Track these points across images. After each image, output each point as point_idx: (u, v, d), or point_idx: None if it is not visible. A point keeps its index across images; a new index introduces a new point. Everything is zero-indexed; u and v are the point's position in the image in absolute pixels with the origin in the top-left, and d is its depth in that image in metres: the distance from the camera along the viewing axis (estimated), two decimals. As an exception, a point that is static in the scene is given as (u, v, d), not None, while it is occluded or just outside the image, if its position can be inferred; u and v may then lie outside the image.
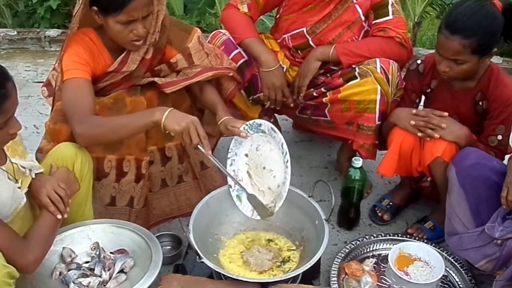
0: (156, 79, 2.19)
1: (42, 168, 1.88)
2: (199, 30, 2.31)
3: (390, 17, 2.41)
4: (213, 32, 2.59)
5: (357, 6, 2.42)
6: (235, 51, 2.50)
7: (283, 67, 2.52)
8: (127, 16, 1.95)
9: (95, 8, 1.98)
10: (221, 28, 2.67)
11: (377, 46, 2.40)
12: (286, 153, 2.11)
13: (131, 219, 2.23)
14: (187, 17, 5.22)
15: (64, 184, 1.86)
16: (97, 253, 1.97)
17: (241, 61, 2.49)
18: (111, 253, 1.98)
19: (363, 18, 2.44)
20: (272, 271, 2.07)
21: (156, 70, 2.23)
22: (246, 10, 2.50)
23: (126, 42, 2.04)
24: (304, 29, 2.47)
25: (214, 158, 2.03)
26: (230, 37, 2.52)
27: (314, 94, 2.49)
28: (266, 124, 2.15)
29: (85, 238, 2.02)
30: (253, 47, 2.46)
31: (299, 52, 2.54)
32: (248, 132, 2.16)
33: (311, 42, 2.48)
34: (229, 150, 2.23)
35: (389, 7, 2.41)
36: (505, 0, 2.15)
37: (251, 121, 2.17)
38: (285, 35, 2.54)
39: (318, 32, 2.46)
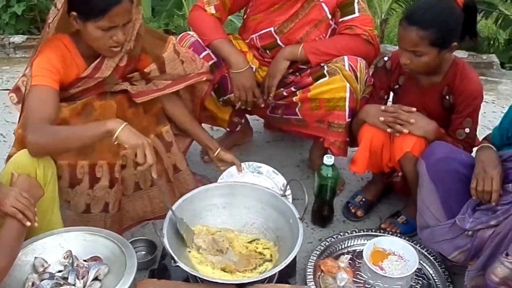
0: (128, 87, 2.18)
1: None
2: (174, 39, 2.32)
3: (357, 14, 2.43)
4: (180, 35, 2.57)
5: (323, 4, 2.44)
6: (204, 53, 2.49)
7: (252, 68, 2.52)
8: (109, 22, 1.94)
9: (74, 13, 1.96)
10: (189, 30, 2.65)
11: (345, 44, 2.42)
12: (287, 191, 2.26)
13: (106, 224, 2.22)
14: (155, 20, 5.19)
15: (26, 193, 1.83)
16: (70, 261, 1.95)
17: (210, 62, 2.48)
18: (84, 260, 1.96)
19: (329, 16, 2.46)
20: (250, 272, 2.06)
21: (128, 77, 2.22)
22: (213, 11, 2.49)
23: (104, 48, 2.02)
24: (272, 28, 2.48)
25: (160, 184, 2.07)
26: (198, 39, 2.50)
27: (284, 93, 2.50)
28: (265, 167, 2.46)
29: (57, 247, 1.99)
30: (222, 49, 2.45)
31: (268, 52, 2.54)
32: (244, 168, 2.45)
33: (279, 42, 2.49)
34: (221, 177, 2.43)
35: (355, 5, 2.43)
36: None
37: (250, 162, 2.47)
38: (253, 35, 2.54)
39: (286, 31, 2.47)
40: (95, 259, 1.97)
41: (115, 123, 1.90)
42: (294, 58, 2.45)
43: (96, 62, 2.08)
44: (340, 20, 2.45)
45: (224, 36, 2.49)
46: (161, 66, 2.25)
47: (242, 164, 2.48)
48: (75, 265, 1.93)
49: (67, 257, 1.96)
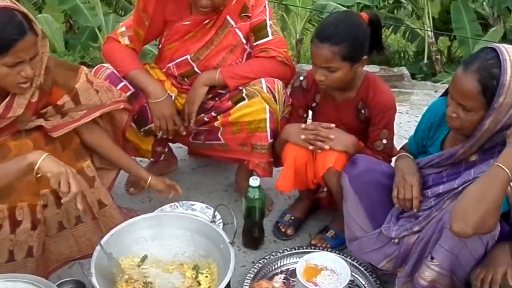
0: (43, 123, 2.11)
1: None
2: (86, 68, 2.26)
3: (270, 37, 2.48)
4: (95, 67, 2.53)
5: (237, 30, 2.48)
6: (121, 84, 2.45)
7: (171, 96, 2.51)
8: (14, 58, 1.87)
9: None
10: (105, 62, 2.62)
11: (261, 67, 2.46)
12: (216, 216, 2.29)
13: (32, 270, 2.11)
14: (69, 53, 5.10)
15: None
16: (-8, 312, 1.85)
17: (128, 93, 2.44)
18: (8, 310, 1.86)
19: (244, 41, 2.50)
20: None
21: (42, 112, 2.15)
22: (127, 42, 2.48)
23: (13, 85, 1.95)
24: (188, 56, 2.49)
25: (84, 213, 2.03)
26: (114, 71, 2.47)
27: (205, 119, 2.50)
28: (198, 204, 2.62)
29: (-24, 301, 1.88)
30: (139, 79, 2.44)
31: (186, 79, 2.54)
32: (177, 207, 2.57)
33: (196, 69, 2.50)
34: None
35: (268, 28, 2.48)
36: (372, 12, 2.30)
37: (183, 201, 2.62)
38: (170, 64, 2.54)
39: (202, 58, 2.48)
40: (20, 307, 1.88)
41: (35, 155, 1.86)
42: (212, 83, 2.46)
43: (6, 100, 2.00)
44: (255, 44, 2.50)
45: (140, 67, 2.48)
46: (75, 97, 2.19)
47: (176, 203, 2.56)
48: (-2, 316, 1.84)
49: (-11, 308, 1.86)
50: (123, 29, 2.51)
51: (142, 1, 2.45)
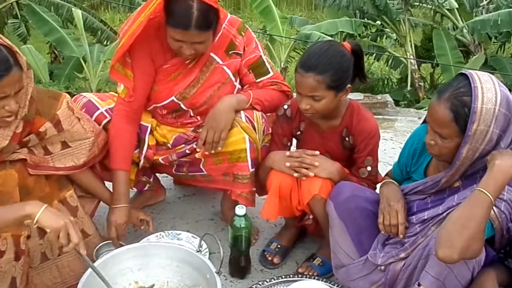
0: (27, 156, 2.10)
1: None
2: (67, 95, 2.25)
3: (272, 73, 2.51)
4: (75, 96, 2.52)
5: (225, 67, 2.45)
6: (97, 112, 2.44)
7: (147, 126, 2.51)
8: None
9: None
10: (91, 91, 2.60)
11: (277, 98, 2.50)
12: (202, 246, 2.31)
13: (14, 302, 2.08)
14: (54, 83, 5.10)
15: None
16: None
17: (105, 121, 2.44)
18: None
19: (233, 78, 2.47)
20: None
21: (25, 140, 2.14)
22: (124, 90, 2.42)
23: None
24: (173, 97, 2.45)
25: (88, 260, 2.00)
26: (91, 99, 2.47)
27: (187, 151, 2.49)
28: (184, 233, 2.62)
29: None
30: (115, 182, 2.41)
31: (173, 114, 2.53)
32: (163, 237, 2.58)
33: (182, 106, 2.48)
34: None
35: (267, 64, 2.49)
36: (354, 42, 2.34)
37: (169, 231, 2.65)
38: (155, 105, 2.51)
39: (189, 96, 2.45)
40: None
41: (34, 207, 1.86)
42: (243, 107, 2.42)
43: None
44: (258, 80, 2.50)
45: (126, 168, 2.44)
46: (57, 124, 2.17)
47: (162, 233, 2.60)
48: None
49: None
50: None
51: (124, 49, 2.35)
